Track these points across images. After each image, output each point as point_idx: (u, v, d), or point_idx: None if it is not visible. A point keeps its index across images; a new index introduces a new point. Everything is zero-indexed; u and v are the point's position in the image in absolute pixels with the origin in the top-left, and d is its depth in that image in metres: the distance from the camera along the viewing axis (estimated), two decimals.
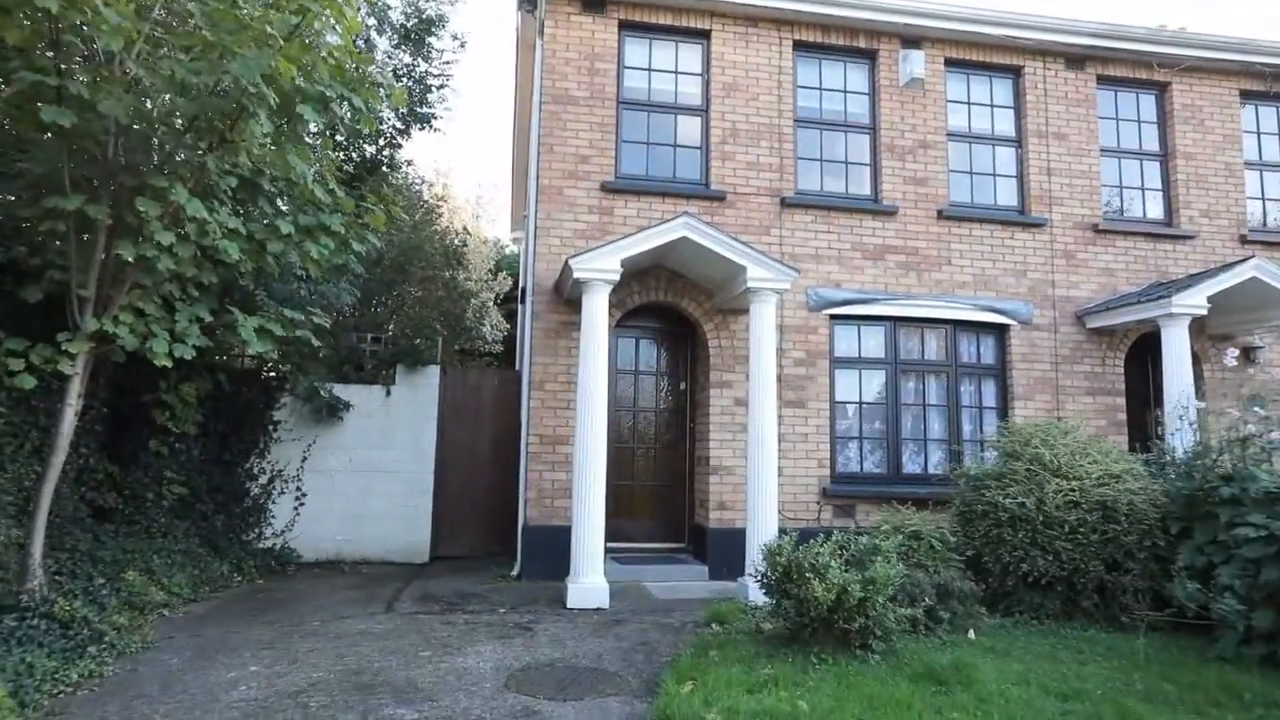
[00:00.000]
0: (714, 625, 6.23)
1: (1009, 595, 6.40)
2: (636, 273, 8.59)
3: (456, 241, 15.98)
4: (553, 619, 6.56)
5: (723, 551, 8.30)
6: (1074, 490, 6.30)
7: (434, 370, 10.01)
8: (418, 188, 15.17)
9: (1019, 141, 9.83)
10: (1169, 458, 6.81)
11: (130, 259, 4.99)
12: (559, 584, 7.47)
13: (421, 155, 32.12)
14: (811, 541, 5.55)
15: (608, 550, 7.72)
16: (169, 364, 5.48)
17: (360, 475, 9.64)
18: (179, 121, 5.47)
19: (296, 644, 5.66)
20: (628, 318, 8.99)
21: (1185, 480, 6.20)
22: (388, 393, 9.83)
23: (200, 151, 5.20)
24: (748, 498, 7.57)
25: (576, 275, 7.27)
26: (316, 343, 6.55)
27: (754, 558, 7.25)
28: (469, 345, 16.53)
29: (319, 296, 7.65)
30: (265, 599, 7.24)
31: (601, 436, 7.20)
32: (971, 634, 5.80)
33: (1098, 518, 6.16)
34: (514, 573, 8.26)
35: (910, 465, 9.04)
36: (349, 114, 5.53)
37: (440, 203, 16.22)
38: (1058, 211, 9.66)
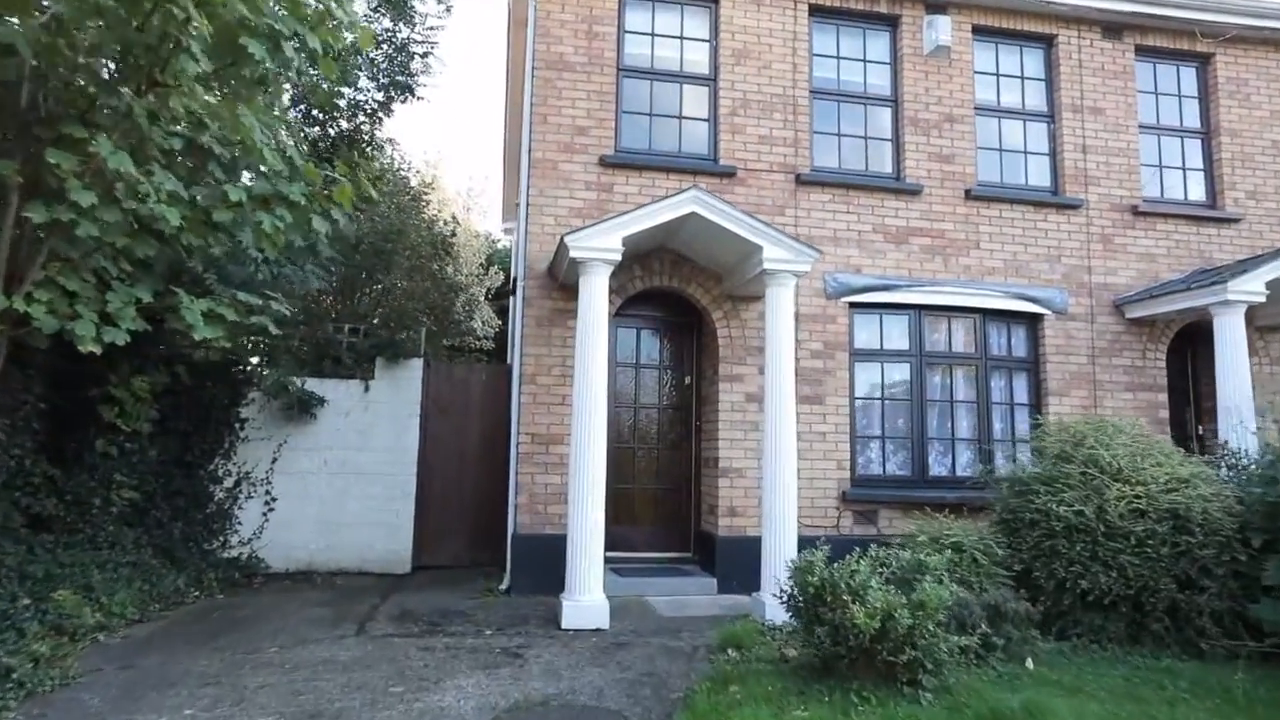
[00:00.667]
0: (730, 651, 5.45)
1: (1064, 616, 5.64)
2: (638, 256, 7.81)
3: (445, 230, 15.22)
4: (546, 642, 5.77)
5: (733, 562, 7.52)
6: (1139, 497, 5.54)
7: (416, 364, 9.21)
8: (403, 172, 14.34)
9: (1052, 116, 9.07)
10: (1242, 460, 6.06)
11: (42, 221, 4.18)
12: (552, 599, 6.68)
13: (412, 146, 31.33)
14: (848, 558, 4.77)
15: (606, 560, 6.94)
16: (97, 350, 4.68)
17: (336, 478, 8.83)
18: (105, 68, 4.66)
19: (246, 677, 4.85)
20: (628, 306, 8.20)
21: (1267, 486, 5.44)
22: (366, 388, 9.03)
23: (127, 96, 4.39)
24: (763, 503, 6.80)
25: (573, 255, 6.48)
26: (275, 331, 5.75)
27: (772, 571, 6.50)
28: (459, 341, 15.74)
29: (282, 281, 6.84)
30: (222, 618, 6.43)
31: (600, 435, 6.42)
32: (1029, 663, 5.03)
33: (1168, 528, 5.40)
34: (503, 586, 7.46)
35: (937, 467, 8.28)
36: (306, 60, 4.73)
37: (427, 189, 15.40)
38: (1094, 192, 8.91)
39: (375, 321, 9.44)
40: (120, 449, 7.29)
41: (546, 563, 7.03)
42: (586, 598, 6.22)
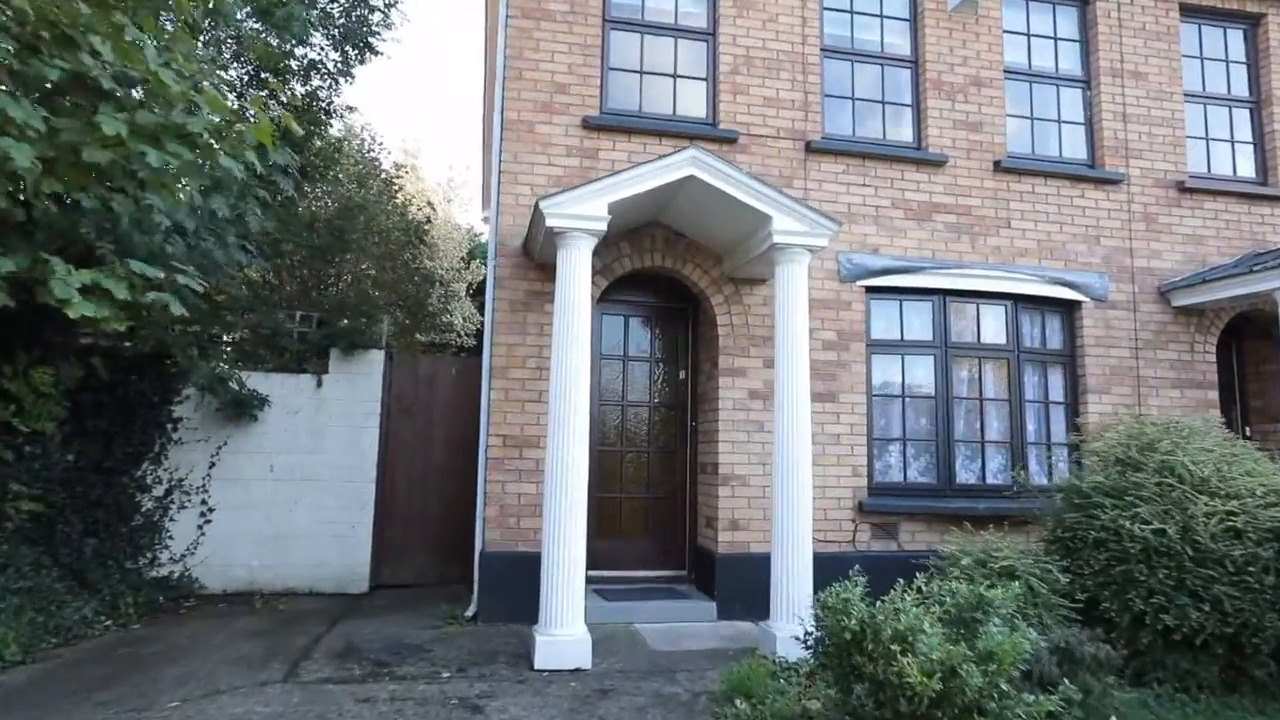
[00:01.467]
0: (739, 703, 4.43)
1: (1141, 656, 4.67)
2: (626, 231, 6.81)
3: (420, 217, 14.19)
4: (514, 689, 4.76)
5: (735, 583, 6.53)
6: (1233, 514, 4.58)
7: (377, 356, 8.17)
8: (373, 153, 13.29)
9: (1088, 82, 8.13)
10: None
11: None
12: (525, 629, 5.68)
13: (390, 133, 30.11)
14: (892, 593, 3.77)
15: (589, 581, 5.96)
16: None
17: (284, 485, 7.78)
18: None
19: None
20: (615, 290, 7.20)
21: None
22: (319, 383, 7.98)
23: None
24: (773, 516, 5.81)
25: (551, 224, 5.48)
26: (179, 311, 4.69)
27: (784, 595, 5.53)
28: (439, 338, 14.71)
29: (201, 255, 5.78)
30: (127, 656, 5.37)
31: (582, 438, 5.41)
32: None
33: (1273, 552, 4.44)
34: (469, 612, 6.43)
35: (964, 474, 7.31)
36: None
37: (401, 172, 14.35)
38: (1135, 166, 7.97)
39: (330, 308, 8.37)
40: (18, 453, 6.22)
41: (519, 584, 6.02)
42: (564, 632, 5.21)
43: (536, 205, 5.58)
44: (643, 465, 7.42)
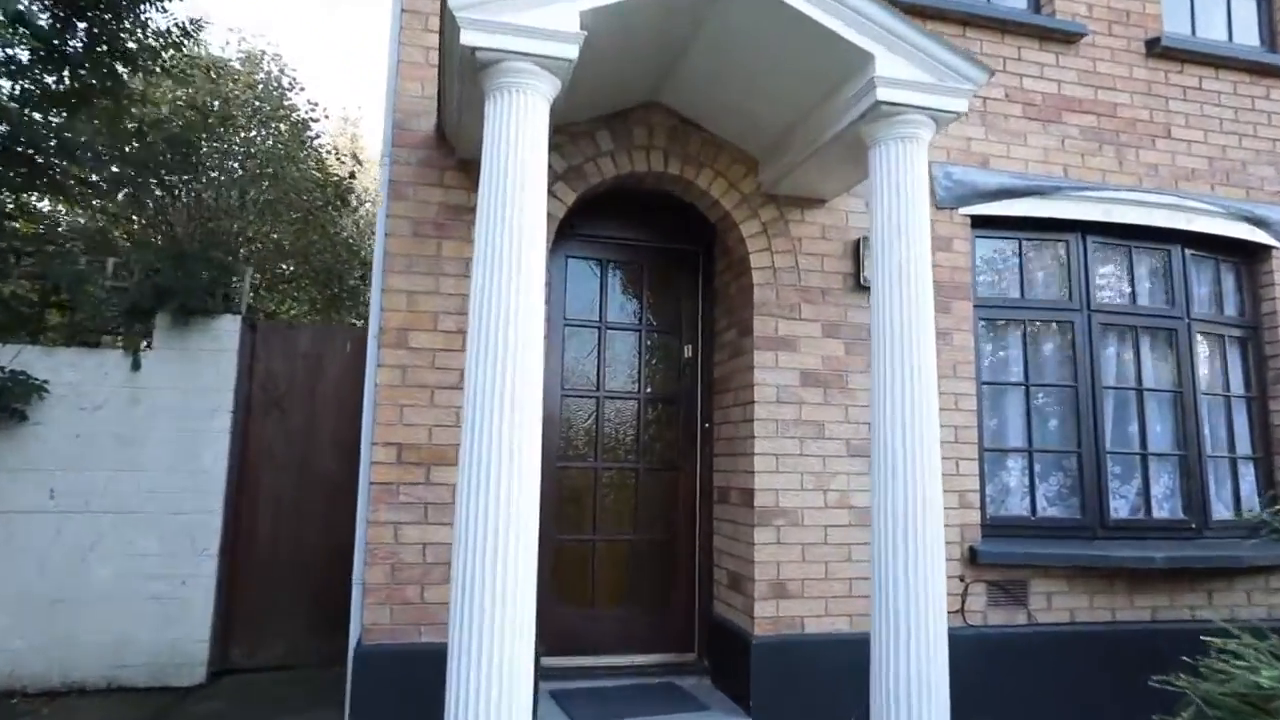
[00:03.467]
0: None
1: None
2: (607, 116, 4.24)
3: (342, 173, 11.53)
4: None
5: (782, 683, 3.98)
6: None
7: (229, 326, 5.45)
8: (275, 82, 10.55)
9: None
10: None
11: None
12: None
13: (331, 101, 26.92)
14: None
15: (544, 675, 3.45)
16: None
17: (73, 520, 5.03)
18: None
19: None
20: (587, 218, 4.64)
21: None
22: (135, 364, 5.24)
23: None
24: (878, 574, 3.21)
25: (470, 41, 2.85)
26: None
27: (898, 711, 2.97)
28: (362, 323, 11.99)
29: None
30: None
31: (528, 451, 2.79)
32: None
33: None
34: None
35: (1117, 504, 4.82)
36: None
37: (315, 116, 11.60)
38: None
39: (162, 255, 5.56)
40: None
41: (427, 698, 3.37)
42: None
43: (450, 14, 2.93)
44: (628, 490, 4.83)
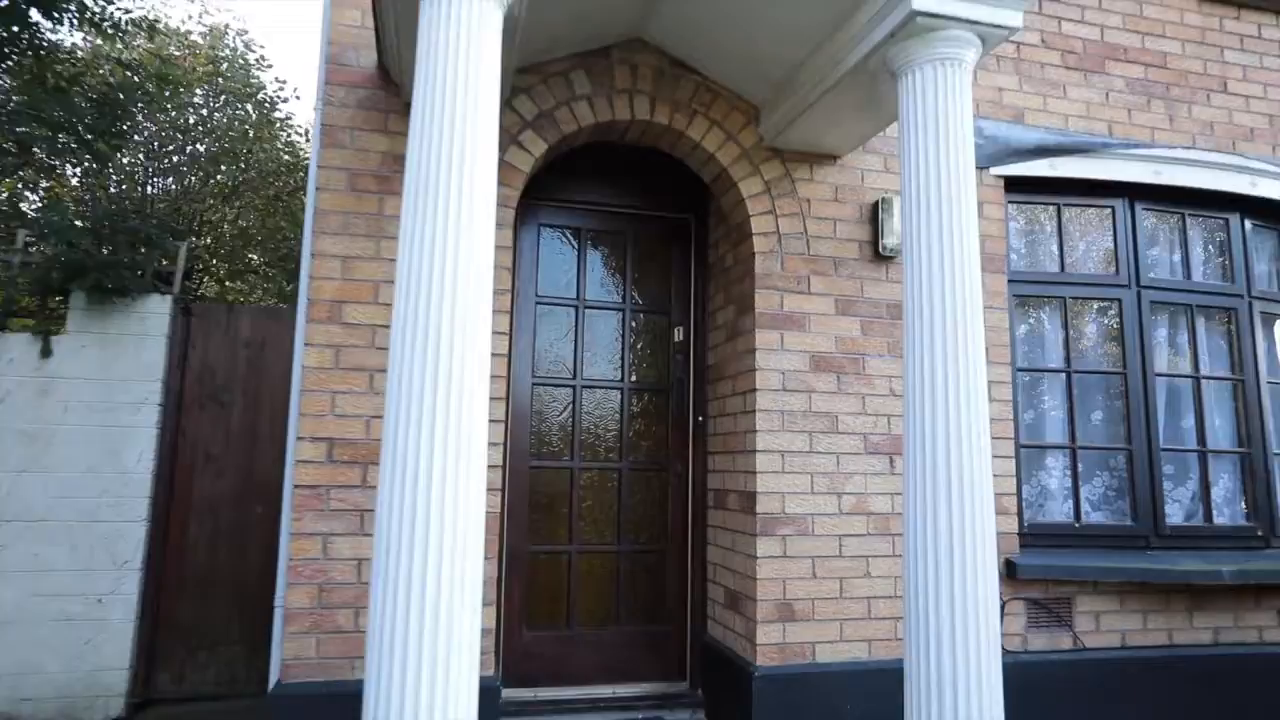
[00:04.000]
0: None
1: None
2: (584, 53, 3.60)
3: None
4: None
5: None
6: None
7: (158, 307, 4.78)
8: (241, 59, 9.92)
9: None
10: None
11: None
12: None
13: (303, 81, 26.13)
14: None
15: (507, 713, 2.78)
16: None
17: None
18: None
19: None
20: (560, 181, 4.01)
21: None
22: (45, 350, 4.57)
23: None
24: (912, 591, 2.56)
25: None
26: None
27: None
28: None
29: None
30: None
31: (474, 444, 2.14)
32: None
33: None
34: None
35: (1171, 509, 4.19)
36: None
37: (283, 95, 10.94)
38: None
39: (83, 225, 4.88)
40: None
41: None
42: None
43: None
44: (610, 493, 4.18)
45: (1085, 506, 4.10)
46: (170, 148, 8.67)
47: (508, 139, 3.49)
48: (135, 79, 5.79)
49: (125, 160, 7.26)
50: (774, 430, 3.62)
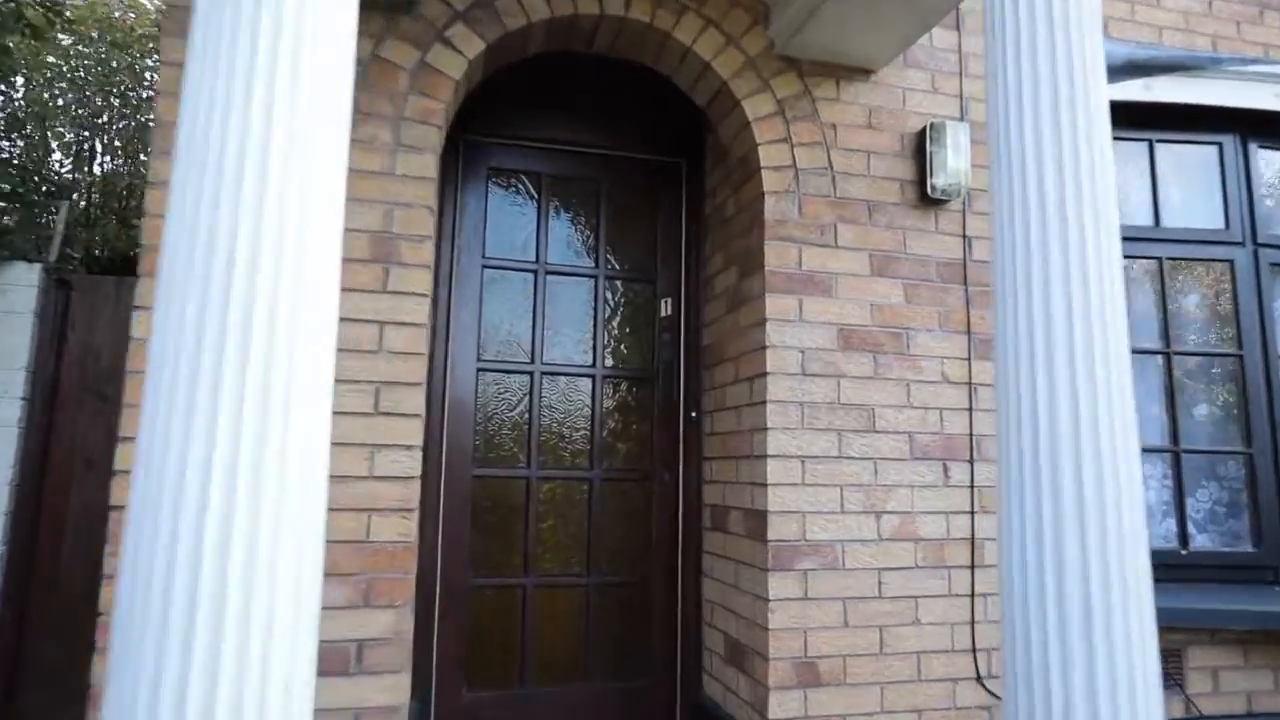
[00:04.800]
0: None
1: None
2: None
3: None
4: None
5: None
6: None
7: (24, 277, 3.87)
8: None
9: None
10: None
11: None
12: None
13: None
14: None
15: None
16: None
17: None
18: None
19: None
20: (505, 112, 3.09)
21: None
22: None
23: None
24: (1014, 637, 1.64)
25: None
26: None
27: None
28: None
29: None
30: None
31: (299, 462, 1.21)
32: None
33: None
34: None
35: None
36: None
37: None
38: None
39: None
40: None
41: None
42: None
43: None
44: (576, 509, 3.25)
45: (1190, 528, 3.17)
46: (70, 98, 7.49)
47: (431, 34, 2.57)
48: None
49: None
50: (790, 428, 2.70)
